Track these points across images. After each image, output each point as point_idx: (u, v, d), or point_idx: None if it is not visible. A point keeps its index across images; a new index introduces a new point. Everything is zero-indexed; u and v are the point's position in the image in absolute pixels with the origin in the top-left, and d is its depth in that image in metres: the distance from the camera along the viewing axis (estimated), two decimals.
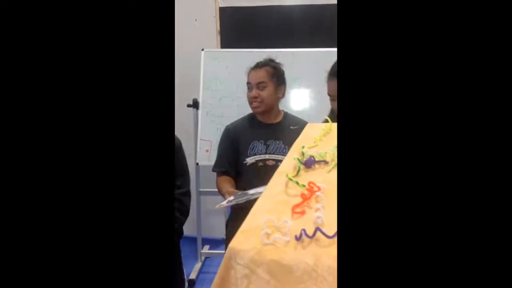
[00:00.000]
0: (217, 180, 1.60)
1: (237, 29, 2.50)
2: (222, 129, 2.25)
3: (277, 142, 1.50)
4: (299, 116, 1.64)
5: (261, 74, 1.48)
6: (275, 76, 1.50)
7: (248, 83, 1.51)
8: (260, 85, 1.47)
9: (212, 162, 2.38)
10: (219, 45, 2.50)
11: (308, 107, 2.25)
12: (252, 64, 1.54)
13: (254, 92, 1.48)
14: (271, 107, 1.52)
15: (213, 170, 1.61)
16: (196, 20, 2.50)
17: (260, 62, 1.52)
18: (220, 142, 1.62)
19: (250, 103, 1.52)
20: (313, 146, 0.96)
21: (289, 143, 1.47)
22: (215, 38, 2.49)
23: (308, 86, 2.26)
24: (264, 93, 1.47)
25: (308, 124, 1.22)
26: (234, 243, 0.69)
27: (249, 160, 1.50)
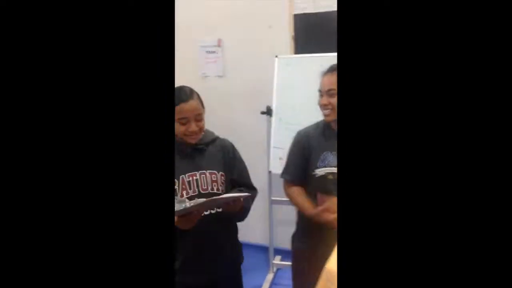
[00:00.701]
0: (287, 188, 1.52)
1: (311, 35, 2.44)
2: None
3: None
4: None
5: (332, 80, 1.35)
6: None
7: (319, 90, 1.41)
8: (330, 92, 1.36)
9: None
10: (292, 51, 2.45)
11: None
12: (326, 68, 1.45)
13: (324, 99, 1.37)
14: None
15: (281, 177, 1.54)
16: (270, 27, 2.48)
17: (333, 65, 1.40)
18: (290, 148, 1.54)
19: (321, 110, 1.41)
20: None
21: None
22: (289, 44, 2.45)
23: None
24: (335, 100, 1.36)
25: None
26: (332, 264, 0.64)
27: (318, 172, 1.40)
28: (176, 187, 1.25)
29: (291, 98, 2.22)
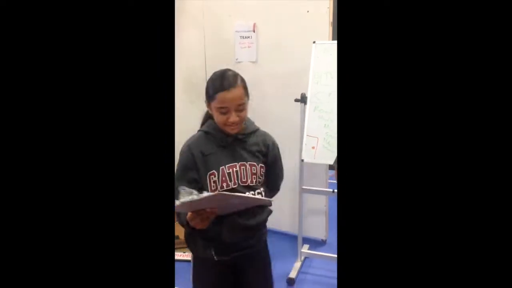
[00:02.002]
0: None
1: None
2: (330, 125, 2.16)
3: None
4: None
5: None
6: None
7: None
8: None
9: (317, 160, 2.30)
10: (330, 37, 2.38)
11: None
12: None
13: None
14: None
15: None
16: (308, 11, 2.41)
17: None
18: None
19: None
20: None
21: None
22: (327, 30, 2.37)
23: None
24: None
25: None
26: None
27: None
28: (216, 178, 1.20)
29: (327, 86, 2.16)
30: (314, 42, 2.22)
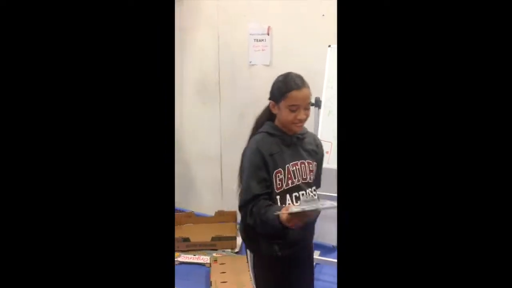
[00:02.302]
0: None
1: None
2: None
3: None
4: None
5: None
6: None
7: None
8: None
9: (331, 165, 2.27)
10: None
11: None
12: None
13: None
14: None
15: None
16: (323, 15, 2.40)
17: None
18: None
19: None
20: None
21: None
22: None
23: None
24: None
25: None
26: None
27: None
28: (282, 176, 1.27)
29: None
30: (329, 46, 2.20)
